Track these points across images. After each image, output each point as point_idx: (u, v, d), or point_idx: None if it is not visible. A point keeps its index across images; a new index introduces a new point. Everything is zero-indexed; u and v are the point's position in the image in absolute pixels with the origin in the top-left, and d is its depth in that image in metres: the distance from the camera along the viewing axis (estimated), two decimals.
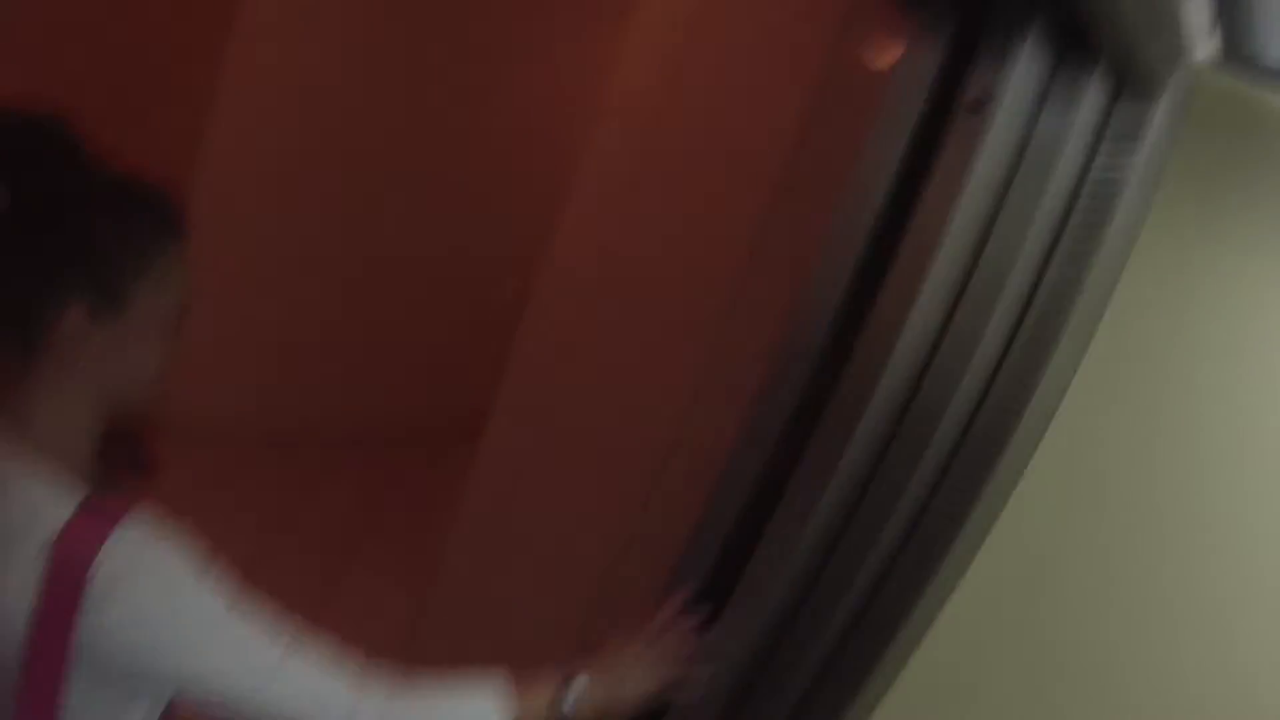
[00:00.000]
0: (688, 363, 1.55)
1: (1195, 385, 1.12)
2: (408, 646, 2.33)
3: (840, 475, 1.08)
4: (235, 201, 3.57)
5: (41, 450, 0.92)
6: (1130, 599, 1.17)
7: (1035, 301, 1.00)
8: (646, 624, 1.23)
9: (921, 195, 1.01)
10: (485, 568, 2.16)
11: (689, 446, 1.52)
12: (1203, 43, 0.95)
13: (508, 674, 1.13)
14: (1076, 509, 1.15)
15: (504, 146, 4.32)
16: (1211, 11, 0.91)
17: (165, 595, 0.90)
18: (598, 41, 3.36)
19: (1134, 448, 1.14)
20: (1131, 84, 0.95)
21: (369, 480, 4.31)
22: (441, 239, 4.36)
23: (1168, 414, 1.13)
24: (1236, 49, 0.98)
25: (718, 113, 1.69)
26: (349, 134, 3.89)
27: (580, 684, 1.15)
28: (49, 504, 0.88)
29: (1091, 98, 0.95)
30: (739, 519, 1.20)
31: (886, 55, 1.19)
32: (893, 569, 1.09)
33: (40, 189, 0.89)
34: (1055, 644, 1.19)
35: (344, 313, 4.25)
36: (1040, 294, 0.99)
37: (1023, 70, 0.94)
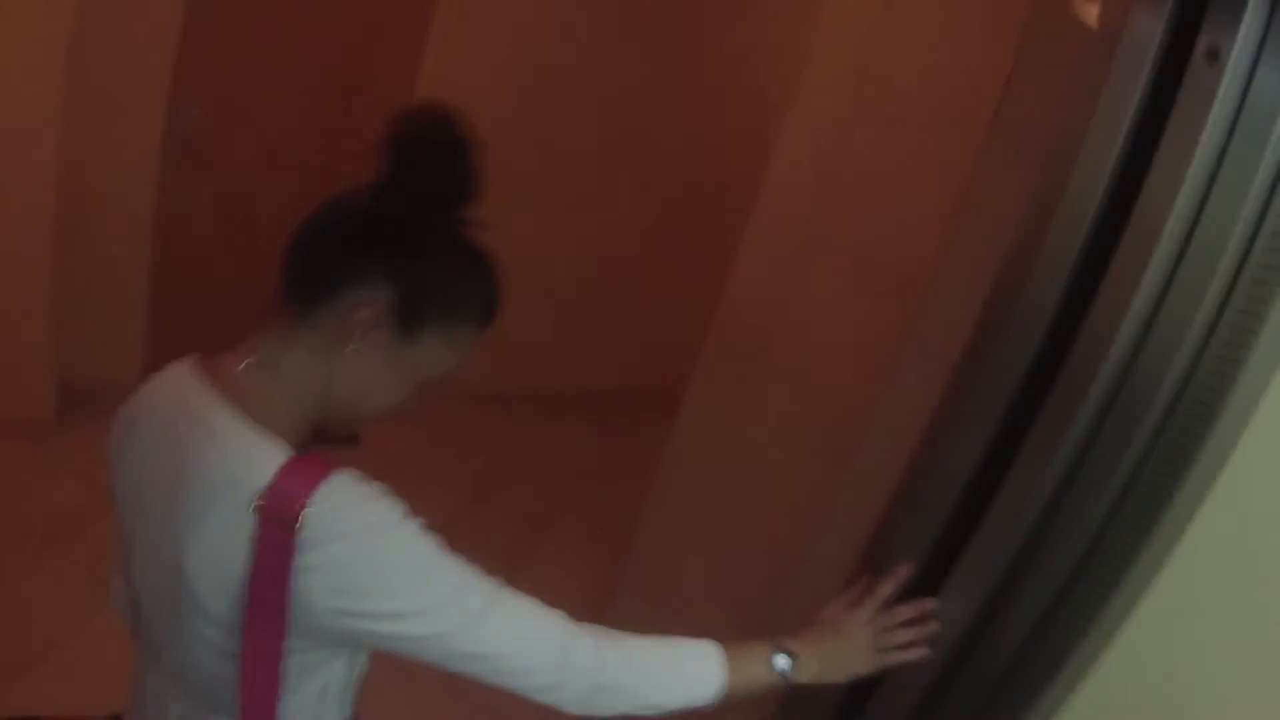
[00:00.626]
0: (890, 326, 1.49)
1: None
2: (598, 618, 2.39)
3: (1061, 452, 1.02)
4: None
5: (270, 400, 0.96)
6: None
7: (1246, 270, 0.93)
8: (863, 600, 1.17)
9: (1158, 151, 0.95)
10: (678, 544, 2.16)
11: (889, 418, 1.47)
12: None
13: (718, 642, 1.09)
14: None
15: (713, 109, 4.29)
16: None
17: (375, 538, 0.90)
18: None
19: None
20: None
21: (573, 442, 4.40)
22: (652, 199, 4.38)
23: None
24: None
25: (925, 61, 1.63)
26: (555, 98, 3.94)
27: (792, 656, 1.11)
28: (260, 457, 0.91)
29: None
30: (956, 496, 1.14)
31: (1097, 6, 1.13)
32: (1100, 546, 1.03)
33: (434, 203, 0.96)
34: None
35: (556, 275, 4.33)
36: (1252, 262, 0.92)
37: (1252, 14, 0.89)
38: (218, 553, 0.90)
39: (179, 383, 1.00)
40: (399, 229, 0.96)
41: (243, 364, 0.97)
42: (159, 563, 0.97)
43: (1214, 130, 0.92)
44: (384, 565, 0.91)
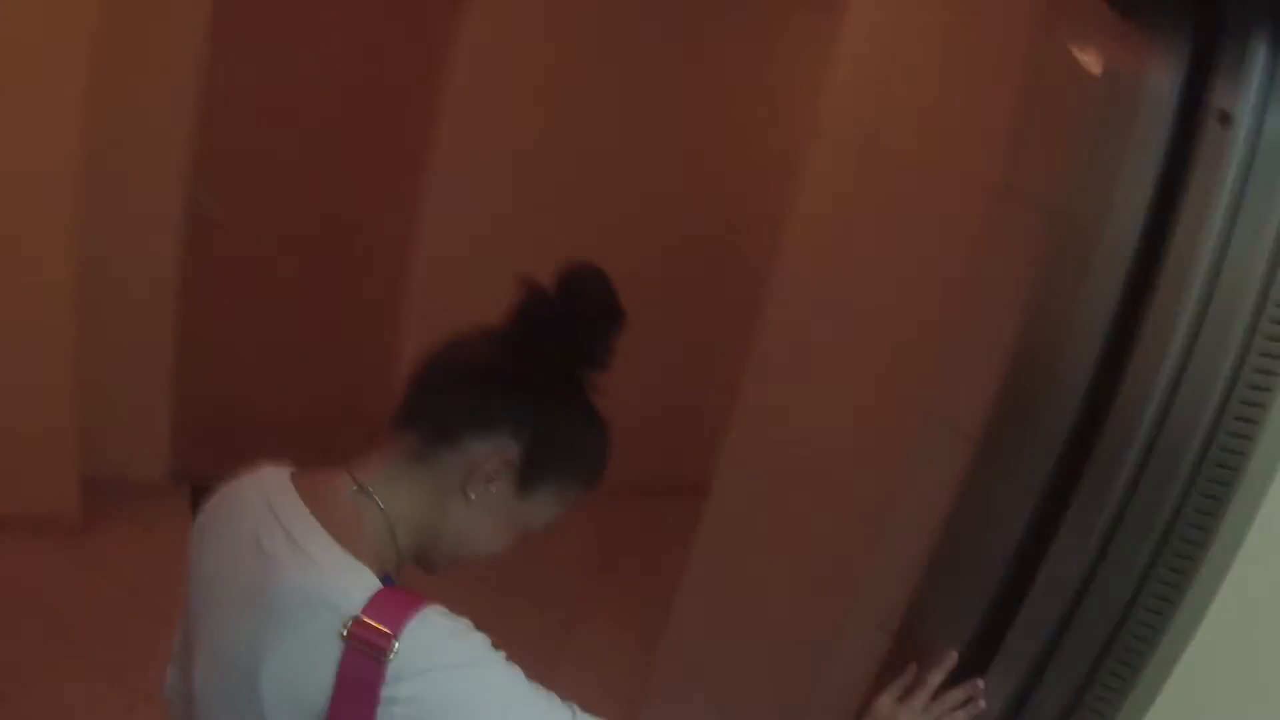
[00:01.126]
0: (912, 395, 1.49)
1: None
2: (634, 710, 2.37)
3: (1100, 521, 1.03)
4: (459, 230, 3.80)
5: (369, 529, 0.97)
6: None
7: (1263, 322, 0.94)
8: (915, 690, 1.18)
9: (1176, 214, 0.98)
10: (711, 630, 2.14)
11: (911, 494, 1.46)
12: None
13: None
14: None
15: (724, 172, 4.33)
16: None
17: (463, 675, 0.90)
18: (814, 43, 3.30)
19: None
20: None
21: (604, 531, 4.35)
22: (673, 289, 4.38)
23: None
24: None
25: (931, 117, 1.65)
26: (564, 150, 3.96)
27: None
28: (353, 584, 0.90)
29: None
30: (995, 571, 1.16)
31: (1100, 59, 1.17)
32: (1141, 597, 1.03)
33: (571, 365, 1.00)
34: None
35: None
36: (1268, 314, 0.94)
37: (1260, 76, 0.92)
38: (296, 674, 0.89)
39: (274, 491, 1.00)
40: (537, 386, 0.99)
41: (347, 489, 0.98)
42: (227, 670, 0.95)
43: (1230, 190, 0.94)
44: (471, 703, 0.90)
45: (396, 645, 0.85)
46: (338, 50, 3.52)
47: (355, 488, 0.98)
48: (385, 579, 0.94)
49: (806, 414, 1.86)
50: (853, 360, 1.73)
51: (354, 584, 0.90)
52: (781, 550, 1.90)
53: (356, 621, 0.87)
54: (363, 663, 0.86)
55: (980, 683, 1.14)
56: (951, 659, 1.17)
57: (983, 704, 1.14)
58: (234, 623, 0.95)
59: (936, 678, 1.17)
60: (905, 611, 1.32)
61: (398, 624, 0.87)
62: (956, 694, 1.15)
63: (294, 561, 0.92)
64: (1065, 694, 1.09)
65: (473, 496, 0.99)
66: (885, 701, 1.19)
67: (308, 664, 0.88)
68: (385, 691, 0.86)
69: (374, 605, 0.88)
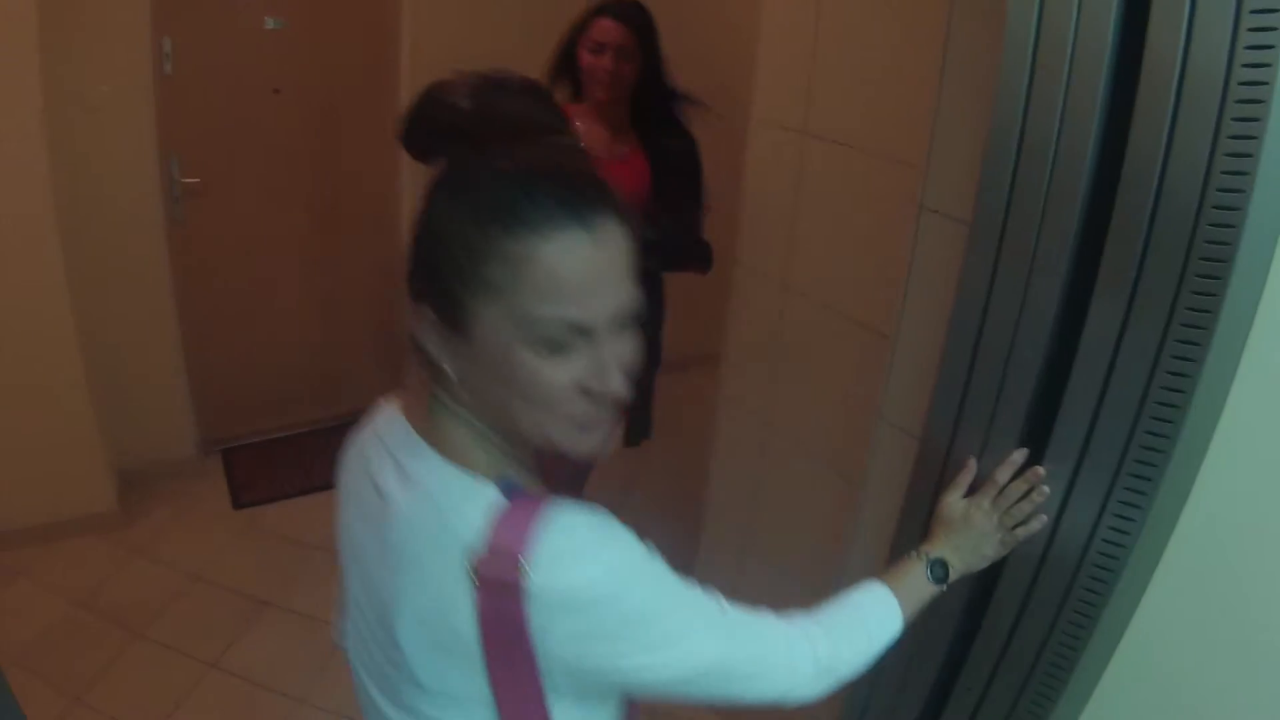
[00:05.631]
0: (904, 194, 1.46)
1: None
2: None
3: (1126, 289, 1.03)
4: None
5: (455, 431, 0.87)
6: None
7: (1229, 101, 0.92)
8: (983, 488, 1.20)
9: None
10: (746, 482, 2.14)
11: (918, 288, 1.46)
12: None
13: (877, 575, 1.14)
14: None
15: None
16: None
17: (606, 594, 0.79)
18: None
19: None
20: None
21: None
22: None
23: None
24: None
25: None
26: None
27: (942, 564, 1.16)
28: (463, 505, 0.81)
29: None
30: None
31: None
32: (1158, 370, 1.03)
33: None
34: None
35: None
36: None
37: None
38: (434, 621, 0.82)
39: (384, 423, 0.94)
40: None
41: (430, 399, 0.89)
42: (370, 628, 0.92)
43: None
44: (625, 620, 0.81)
45: (530, 573, 0.75)
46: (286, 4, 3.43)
47: (433, 394, 0.88)
48: (508, 485, 0.83)
49: (802, 248, 1.86)
50: (840, 182, 1.74)
51: (467, 503, 0.81)
52: (800, 380, 1.92)
53: (481, 554, 0.78)
54: (500, 599, 0.77)
55: (1041, 470, 1.15)
56: (1022, 454, 1.18)
57: (1046, 490, 1.15)
58: (370, 577, 0.90)
59: (1005, 474, 1.18)
60: (927, 413, 1.31)
61: (523, 544, 0.76)
62: (1019, 485, 1.17)
63: (405, 495, 0.85)
64: (1108, 472, 1.09)
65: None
66: (954, 500, 1.22)
67: (444, 608, 0.80)
68: (534, 622, 0.77)
69: (496, 527, 0.78)
